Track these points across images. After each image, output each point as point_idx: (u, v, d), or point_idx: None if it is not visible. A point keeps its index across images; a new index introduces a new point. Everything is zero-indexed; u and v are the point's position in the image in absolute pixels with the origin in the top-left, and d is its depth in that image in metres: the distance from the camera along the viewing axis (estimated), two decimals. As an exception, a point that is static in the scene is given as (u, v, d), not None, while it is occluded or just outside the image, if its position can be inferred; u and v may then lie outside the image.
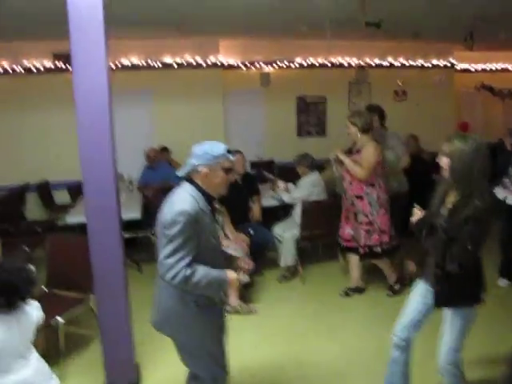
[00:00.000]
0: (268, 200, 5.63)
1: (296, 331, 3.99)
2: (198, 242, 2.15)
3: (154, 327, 2.35)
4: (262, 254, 5.21)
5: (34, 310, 2.44)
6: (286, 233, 5.04)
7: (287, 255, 5.00)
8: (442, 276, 2.39)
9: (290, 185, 5.53)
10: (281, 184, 5.80)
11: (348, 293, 4.61)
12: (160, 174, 6.29)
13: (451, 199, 2.43)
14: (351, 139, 4.35)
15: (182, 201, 2.15)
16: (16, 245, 5.18)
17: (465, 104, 9.48)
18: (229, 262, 3.98)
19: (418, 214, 2.64)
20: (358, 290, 4.64)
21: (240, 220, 4.98)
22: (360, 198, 4.24)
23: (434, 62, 8.74)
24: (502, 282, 4.67)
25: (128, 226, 5.43)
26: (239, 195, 4.91)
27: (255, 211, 5.28)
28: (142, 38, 6.89)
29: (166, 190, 5.82)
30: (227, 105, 7.81)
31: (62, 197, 6.87)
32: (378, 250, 4.29)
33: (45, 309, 3.39)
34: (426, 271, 2.57)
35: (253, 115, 8.11)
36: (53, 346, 3.39)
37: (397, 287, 4.54)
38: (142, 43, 7.06)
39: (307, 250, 5.63)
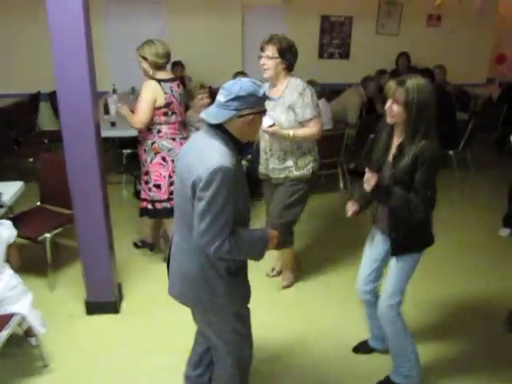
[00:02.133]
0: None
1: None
2: (236, 201, 1.84)
3: (176, 299, 2.07)
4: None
5: (4, 230, 2.51)
6: (287, 161, 4.95)
7: (286, 184, 4.95)
8: (396, 223, 2.32)
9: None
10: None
11: (137, 244, 4.20)
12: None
13: (395, 144, 2.28)
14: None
15: (217, 154, 1.79)
16: (22, 155, 5.30)
17: (506, 34, 8.78)
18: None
19: (371, 179, 2.30)
20: (149, 246, 4.17)
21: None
22: (139, 142, 3.68)
23: (478, -17, 7.98)
24: (504, 232, 4.54)
25: (131, 141, 5.45)
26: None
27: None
28: None
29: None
30: (246, 20, 7.43)
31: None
32: (158, 206, 3.70)
33: (35, 224, 3.57)
34: (379, 219, 2.49)
35: (273, 32, 7.70)
36: (42, 259, 3.55)
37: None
38: None
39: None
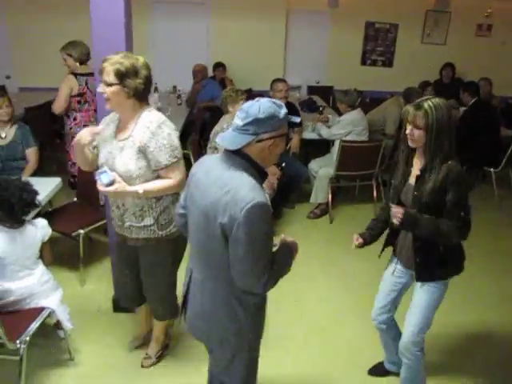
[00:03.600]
0: (311, 133, 5.48)
1: (305, 271, 3.96)
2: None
3: (200, 339, 2.01)
4: (294, 187, 5.15)
5: (39, 228, 2.61)
6: (322, 169, 4.94)
7: (319, 192, 4.95)
8: (423, 248, 2.26)
9: (336, 119, 5.33)
10: (326, 115, 5.64)
11: None
12: (207, 91, 6.22)
13: (417, 166, 2.23)
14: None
15: (247, 188, 1.62)
16: (63, 149, 5.45)
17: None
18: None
19: (398, 212, 2.31)
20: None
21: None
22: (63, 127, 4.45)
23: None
24: None
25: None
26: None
27: (294, 142, 5.18)
28: None
29: (209, 108, 5.94)
30: (290, 24, 7.43)
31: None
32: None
33: (70, 220, 3.69)
34: (401, 248, 2.42)
35: (316, 38, 7.71)
36: (75, 253, 3.65)
37: None
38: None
39: (343, 189, 5.55)
